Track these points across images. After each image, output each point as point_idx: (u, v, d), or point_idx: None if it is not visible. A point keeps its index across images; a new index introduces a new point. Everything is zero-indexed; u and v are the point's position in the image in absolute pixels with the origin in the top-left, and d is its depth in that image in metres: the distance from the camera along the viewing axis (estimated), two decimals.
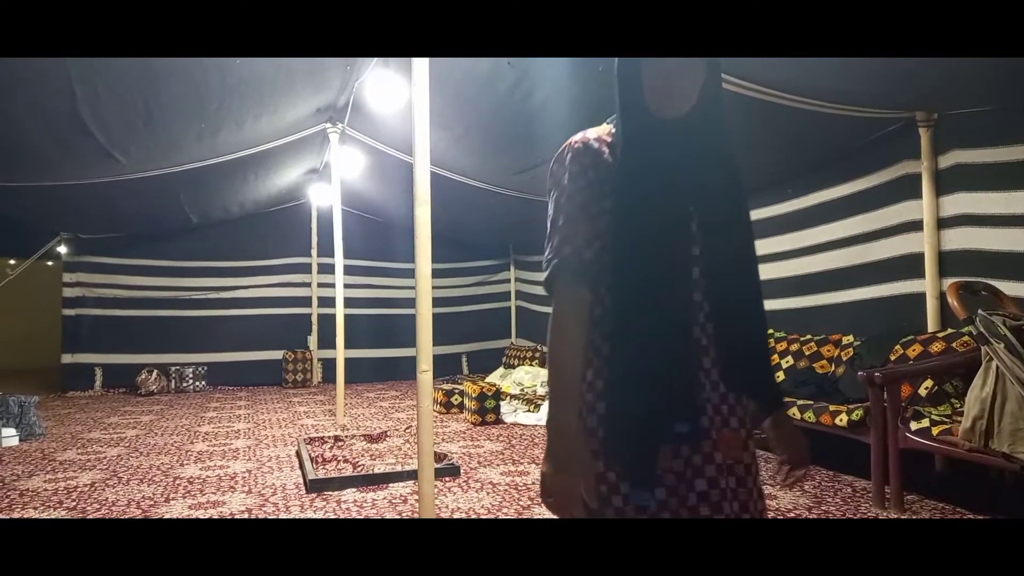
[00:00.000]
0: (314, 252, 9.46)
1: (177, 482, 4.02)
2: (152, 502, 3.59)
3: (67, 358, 8.41)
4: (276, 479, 4.07)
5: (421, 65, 2.99)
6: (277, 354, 9.09)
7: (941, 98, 3.69)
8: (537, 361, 8.43)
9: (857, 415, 3.48)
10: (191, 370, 8.66)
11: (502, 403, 6.27)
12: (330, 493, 3.73)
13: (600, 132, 1.24)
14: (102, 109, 4.36)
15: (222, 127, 5.21)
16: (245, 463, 4.52)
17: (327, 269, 8.60)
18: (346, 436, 5.19)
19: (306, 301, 9.45)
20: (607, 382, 1.14)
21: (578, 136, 1.22)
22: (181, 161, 5.82)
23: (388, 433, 5.37)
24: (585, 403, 1.15)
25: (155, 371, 8.43)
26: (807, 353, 4.57)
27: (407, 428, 5.66)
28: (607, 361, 1.15)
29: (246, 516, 3.33)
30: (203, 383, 8.72)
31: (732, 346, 1.16)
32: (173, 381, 8.54)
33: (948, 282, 3.68)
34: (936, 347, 3.61)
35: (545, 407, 6.14)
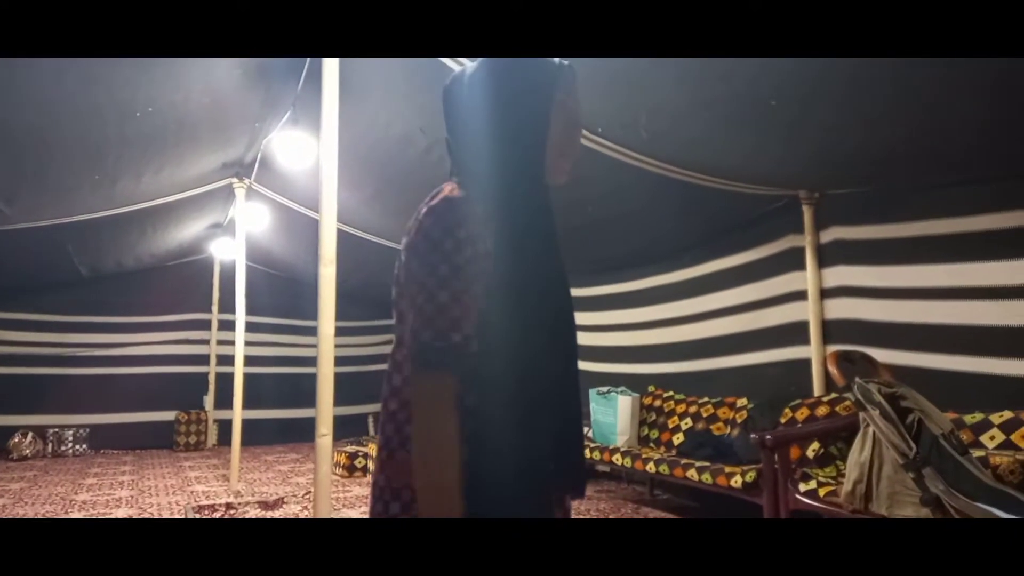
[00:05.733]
0: (215, 308, 9.10)
1: None
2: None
3: None
4: None
5: (330, 124, 3.00)
6: (169, 415, 8.58)
7: (820, 179, 4.00)
8: None
9: (751, 477, 3.61)
10: (71, 432, 8.05)
11: None
12: None
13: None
14: None
15: (120, 178, 5.02)
16: None
17: (228, 326, 8.28)
18: (239, 503, 4.94)
19: (203, 359, 9.03)
20: (480, 473, 1.01)
21: (457, 191, 1.07)
22: (73, 212, 5.54)
23: (285, 499, 5.14)
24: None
25: (30, 433, 7.77)
26: (704, 415, 4.72)
27: (305, 494, 5.44)
28: (482, 449, 1.02)
29: None
30: (84, 446, 8.11)
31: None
32: (51, 444, 7.90)
33: (830, 349, 3.93)
34: (821, 411, 3.81)
35: None
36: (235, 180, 5.88)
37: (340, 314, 3.08)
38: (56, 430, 7.97)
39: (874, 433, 2.60)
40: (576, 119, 1.11)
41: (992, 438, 3.15)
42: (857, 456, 2.65)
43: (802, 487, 3.27)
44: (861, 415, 2.66)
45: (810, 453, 3.65)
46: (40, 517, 4.67)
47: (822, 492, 3.15)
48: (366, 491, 5.70)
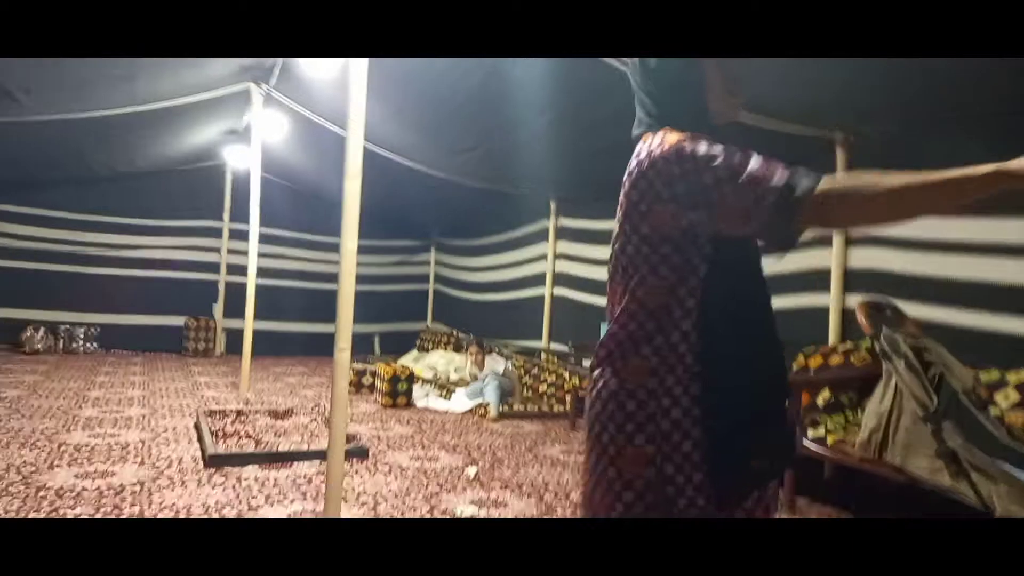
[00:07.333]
0: (226, 216, 9.06)
1: (62, 448, 3.77)
2: (34, 468, 3.35)
3: None
4: (172, 451, 3.87)
5: None
6: (178, 320, 8.67)
7: (859, 120, 3.85)
8: (452, 346, 8.37)
9: None
10: (82, 330, 8.16)
11: (415, 387, 6.20)
12: (230, 469, 3.59)
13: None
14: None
15: (139, 74, 4.88)
16: (139, 432, 4.29)
17: (239, 235, 8.28)
18: (249, 411, 5.01)
19: (214, 267, 9.05)
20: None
21: (678, 132, 1.22)
22: (89, 107, 5.42)
23: (294, 410, 5.21)
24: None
25: (42, 329, 7.89)
26: None
27: (314, 406, 5.52)
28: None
29: (138, 489, 3.15)
30: (95, 345, 8.23)
31: None
32: (62, 341, 8.02)
33: (851, 298, 3.88)
34: (835, 360, 3.79)
35: (458, 394, 6.10)
36: (253, 84, 5.72)
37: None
38: (68, 327, 8.07)
39: (896, 384, 2.58)
40: (732, 75, 1.28)
41: (1006, 397, 3.14)
42: (877, 405, 2.65)
43: (811, 433, 3.29)
44: (885, 365, 2.65)
45: (820, 401, 3.66)
46: (54, 412, 4.75)
47: (830, 439, 3.17)
48: (373, 408, 5.78)
